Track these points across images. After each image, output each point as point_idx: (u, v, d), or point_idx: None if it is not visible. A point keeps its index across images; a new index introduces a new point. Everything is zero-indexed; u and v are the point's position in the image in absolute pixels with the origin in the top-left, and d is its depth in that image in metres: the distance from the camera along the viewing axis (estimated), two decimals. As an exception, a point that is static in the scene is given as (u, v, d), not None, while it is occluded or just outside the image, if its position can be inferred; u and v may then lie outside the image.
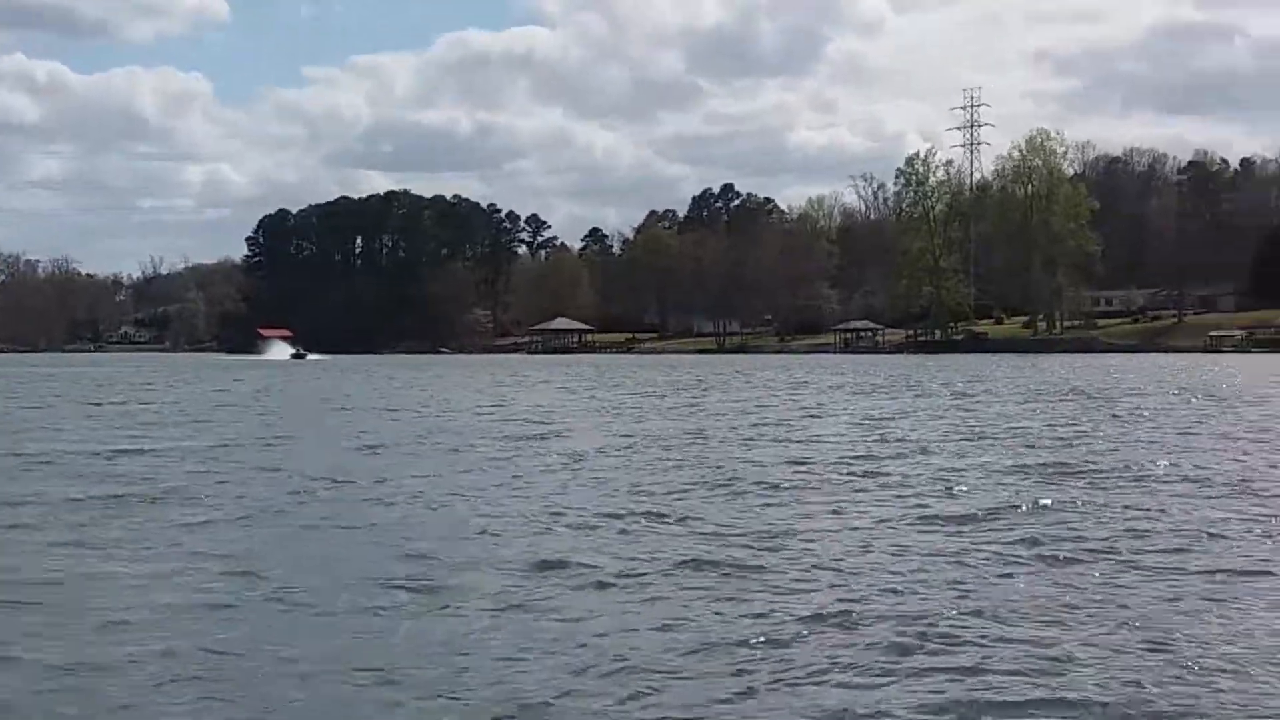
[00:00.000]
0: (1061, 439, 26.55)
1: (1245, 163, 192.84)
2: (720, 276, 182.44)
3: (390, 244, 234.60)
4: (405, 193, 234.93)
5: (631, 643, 9.31)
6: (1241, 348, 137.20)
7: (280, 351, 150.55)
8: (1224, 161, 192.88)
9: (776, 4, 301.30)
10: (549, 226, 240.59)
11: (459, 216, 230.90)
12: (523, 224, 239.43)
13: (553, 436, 28.42)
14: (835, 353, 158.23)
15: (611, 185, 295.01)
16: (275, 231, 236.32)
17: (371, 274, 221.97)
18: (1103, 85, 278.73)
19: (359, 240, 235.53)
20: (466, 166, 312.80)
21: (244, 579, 11.57)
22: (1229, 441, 25.45)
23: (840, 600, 10.60)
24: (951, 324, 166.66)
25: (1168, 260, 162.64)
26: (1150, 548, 12.85)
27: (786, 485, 18.46)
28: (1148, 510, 15.52)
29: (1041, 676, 8.24)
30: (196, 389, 59.21)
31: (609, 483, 18.94)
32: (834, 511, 15.78)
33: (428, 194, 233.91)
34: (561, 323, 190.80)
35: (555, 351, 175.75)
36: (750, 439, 27.53)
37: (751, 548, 13.22)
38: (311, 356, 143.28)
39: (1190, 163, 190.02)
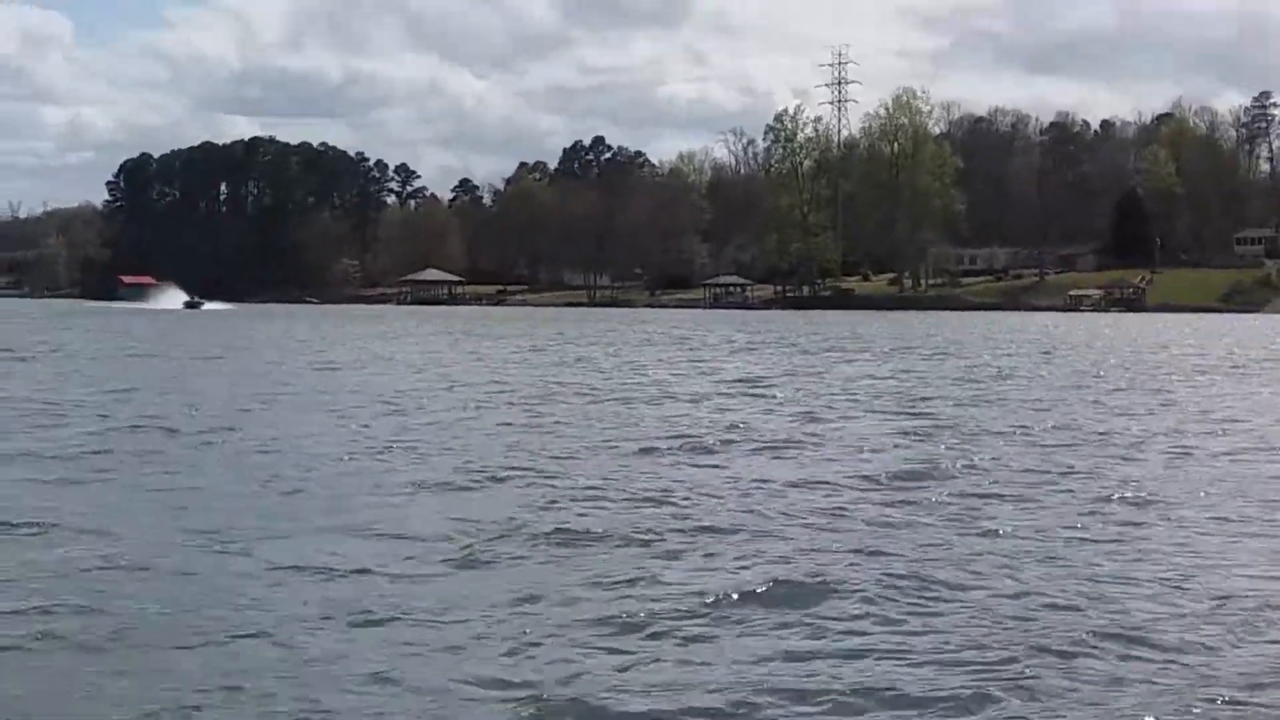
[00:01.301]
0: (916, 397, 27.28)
1: (1105, 124, 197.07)
2: (591, 230, 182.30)
3: (256, 191, 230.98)
4: (271, 139, 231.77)
5: (499, 616, 9.69)
6: (1099, 307, 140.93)
7: (171, 299, 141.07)
8: (1085, 123, 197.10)
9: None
10: (418, 176, 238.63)
11: (326, 164, 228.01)
12: (391, 173, 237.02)
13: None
14: (705, 307, 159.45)
15: (482, 135, 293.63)
16: (137, 176, 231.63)
17: (236, 221, 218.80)
18: (969, 43, 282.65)
19: (224, 186, 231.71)
20: (335, 113, 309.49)
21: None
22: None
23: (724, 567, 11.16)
24: (819, 280, 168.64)
25: (1030, 220, 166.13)
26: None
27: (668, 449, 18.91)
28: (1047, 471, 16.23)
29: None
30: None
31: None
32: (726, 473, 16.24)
33: (295, 140, 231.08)
34: (431, 274, 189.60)
35: (424, 303, 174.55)
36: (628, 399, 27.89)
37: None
38: (207, 305, 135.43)
39: (1052, 123, 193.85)
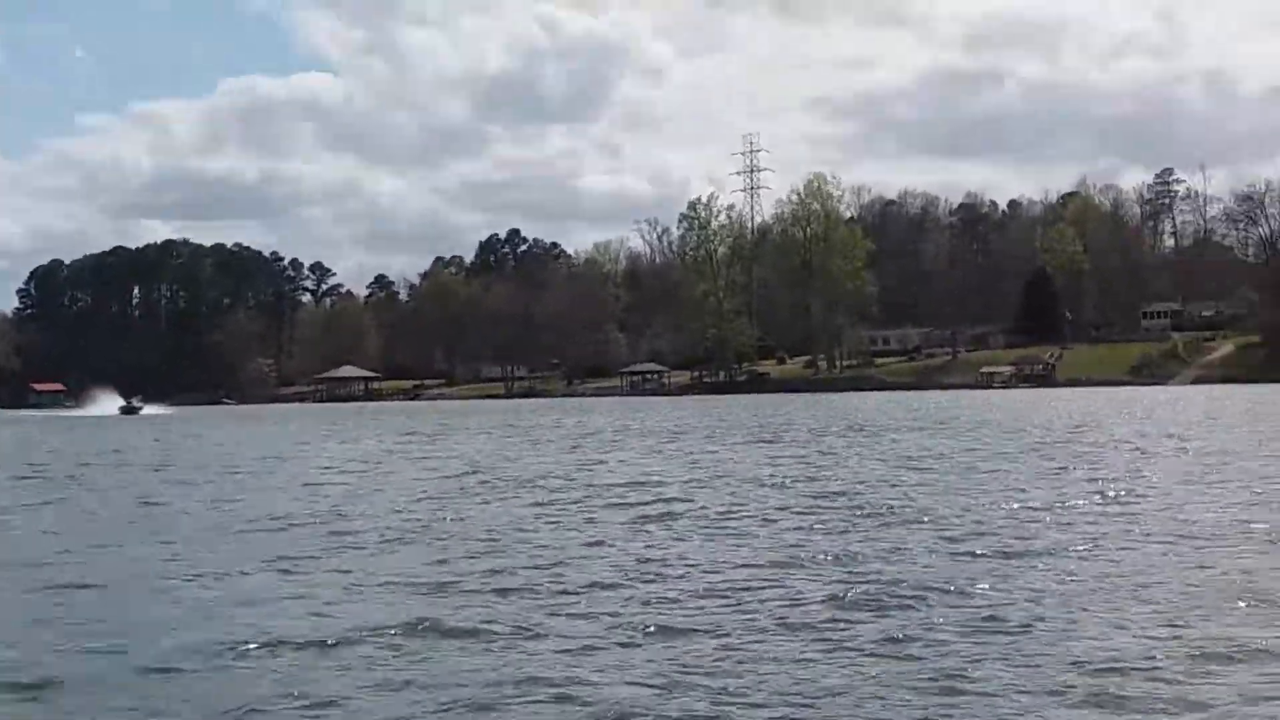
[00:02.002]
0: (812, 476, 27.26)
1: (1013, 204, 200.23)
2: (508, 322, 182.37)
3: (169, 293, 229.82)
4: (184, 241, 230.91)
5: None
6: (1009, 383, 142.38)
7: (105, 404, 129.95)
8: (993, 203, 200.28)
9: (561, 49, 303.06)
10: (334, 274, 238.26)
11: (240, 264, 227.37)
12: (306, 271, 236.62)
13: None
14: (623, 395, 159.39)
15: (400, 232, 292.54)
16: (48, 282, 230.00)
17: (150, 324, 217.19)
18: (878, 129, 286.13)
19: (136, 290, 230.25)
20: (252, 214, 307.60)
21: None
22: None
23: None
24: (735, 364, 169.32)
25: (941, 299, 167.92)
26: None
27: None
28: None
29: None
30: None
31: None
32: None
33: (210, 242, 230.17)
34: (347, 370, 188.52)
35: (340, 400, 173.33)
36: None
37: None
38: (146, 409, 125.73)
39: (961, 204, 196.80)
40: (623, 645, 10.43)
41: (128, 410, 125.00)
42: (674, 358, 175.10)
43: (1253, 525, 16.78)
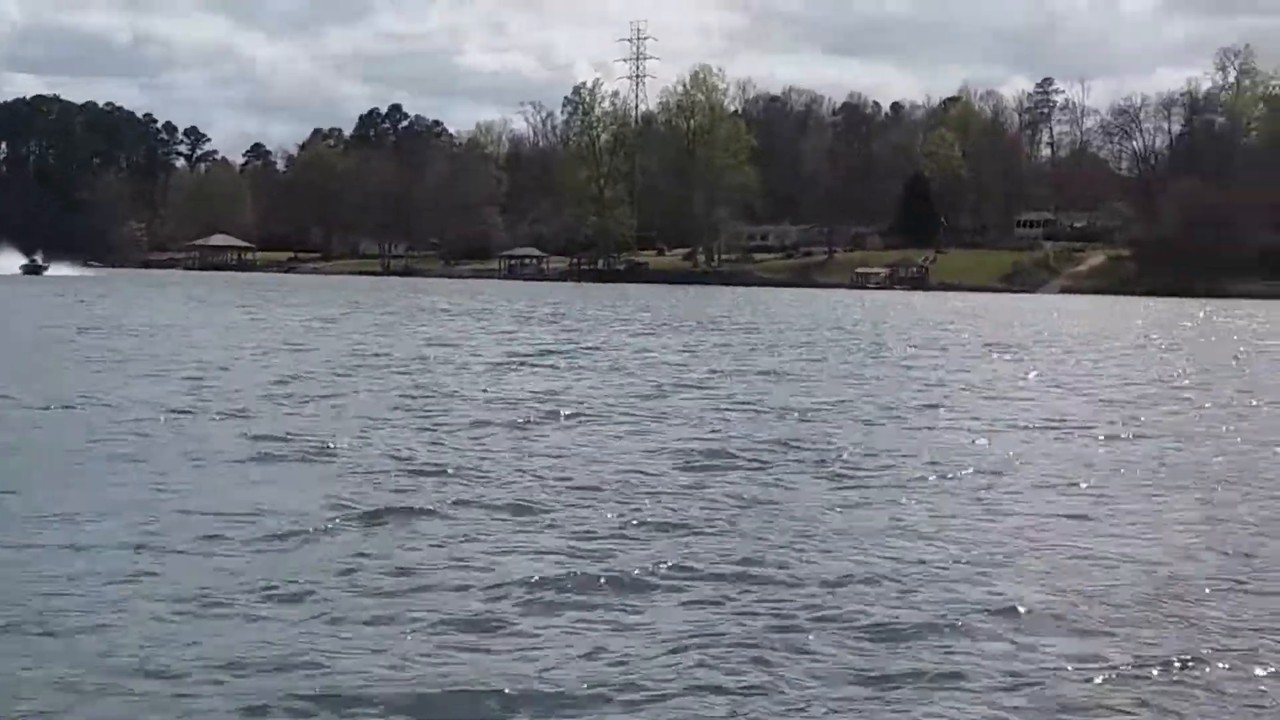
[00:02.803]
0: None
1: (895, 106, 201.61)
2: (387, 198, 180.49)
3: (38, 150, 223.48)
4: (55, 98, 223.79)
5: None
6: (885, 285, 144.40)
7: (4, 262, 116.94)
8: (876, 105, 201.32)
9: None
10: (209, 140, 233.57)
11: (112, 125, 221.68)
12: (181, 135, 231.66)
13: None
14: (500, 278, 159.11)
15: (278, 100, 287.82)
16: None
17: (17, 182, 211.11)
18: (768, 23, 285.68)
19: (3, 146, 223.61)
20: (125, 74, 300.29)
21: None
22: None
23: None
24: (615, 254, 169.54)
25: (821, 198, 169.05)
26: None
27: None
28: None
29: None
30: None
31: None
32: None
33: (81, 100, 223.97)
34: (220, 239, 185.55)
35: (212, 269, 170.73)
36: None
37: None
38: (52, 270, 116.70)
39: (844, 104, 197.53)
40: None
41: (31, 269, 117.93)
42: (554, 243, 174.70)
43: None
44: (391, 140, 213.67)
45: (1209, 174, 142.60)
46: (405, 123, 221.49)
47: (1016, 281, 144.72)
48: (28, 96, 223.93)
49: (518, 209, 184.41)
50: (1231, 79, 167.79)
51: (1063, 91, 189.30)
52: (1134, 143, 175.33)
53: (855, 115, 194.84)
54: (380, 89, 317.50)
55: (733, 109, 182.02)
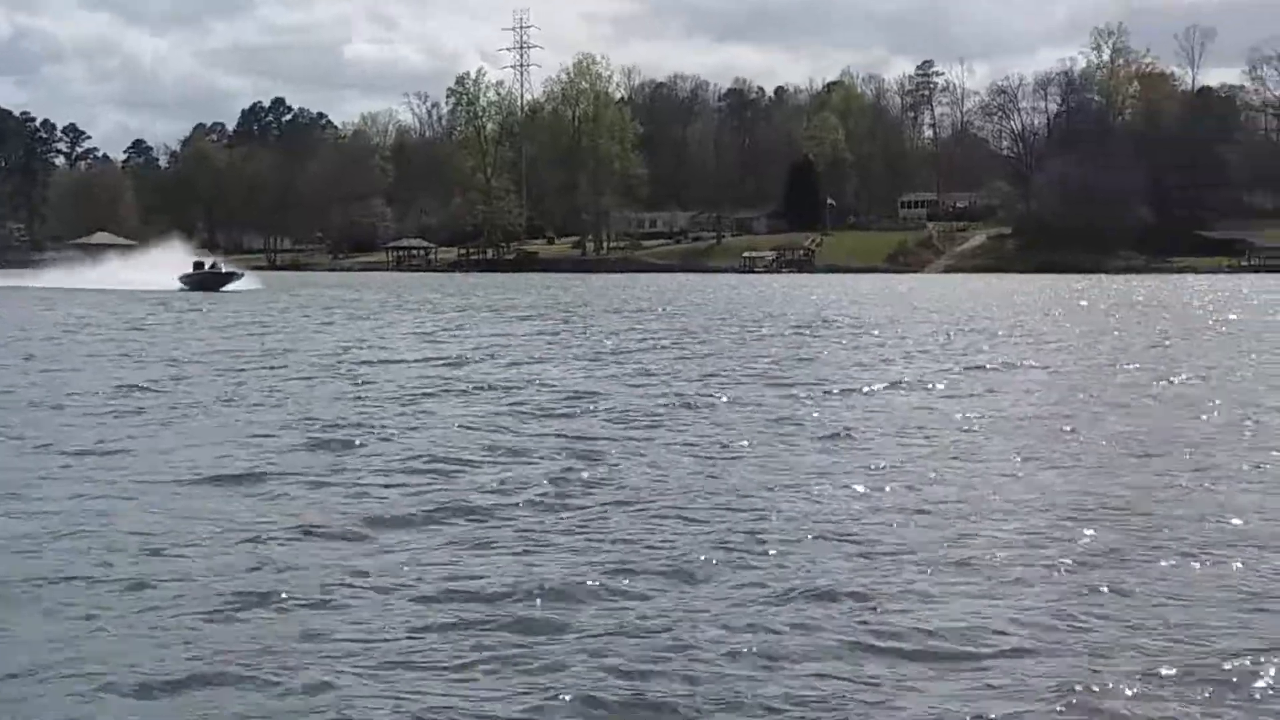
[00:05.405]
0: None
1: (779, 91, 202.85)
2: (271, 192, 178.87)
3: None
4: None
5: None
6: (771, 269, 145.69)
7: None
8: (761, 90, 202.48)
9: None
10: (89, 137, 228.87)
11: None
12: (60, 133, 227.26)
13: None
14: (388, 270, 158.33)
15: (160, 96, 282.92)
16: None
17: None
18: (653, 9, 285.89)
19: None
20: (1, 71, 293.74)
21: None
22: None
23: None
24: (504, 243, 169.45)
25: (708, 184, 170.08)
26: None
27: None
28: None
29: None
30: None
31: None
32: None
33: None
34: (102, 238, 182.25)
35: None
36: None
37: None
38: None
39: (730, 90, 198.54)
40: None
41: None
42: (442, 234, 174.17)
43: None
44: (275, 134, 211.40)
45: (1086, 152, 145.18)
46: (289, 116, 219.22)
47: (901, 262, 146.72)
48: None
49: (405, 200, 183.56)
50: (1106, 58, 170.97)
51: (943, 73, 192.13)
52: (1013, 122, 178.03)
53: (740, 100, 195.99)
54: (264, 82, 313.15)
55: (619, 96, 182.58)
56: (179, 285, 76.73)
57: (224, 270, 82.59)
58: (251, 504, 11.86)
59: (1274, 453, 14.76)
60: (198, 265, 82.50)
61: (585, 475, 13.22)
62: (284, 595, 8.67)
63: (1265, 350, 31.46)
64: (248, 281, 79.91)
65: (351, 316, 49.16)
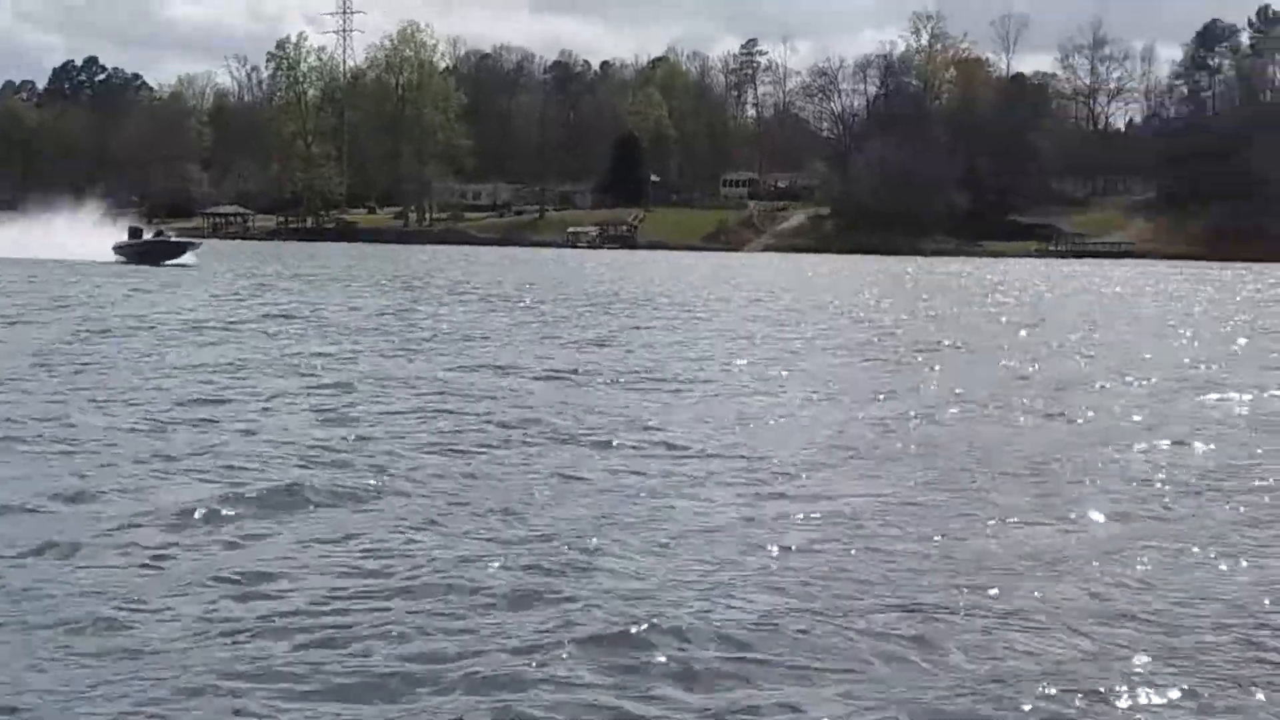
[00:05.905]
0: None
1: (605, 65, 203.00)
2: (84, 154, 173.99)
3: None
4: None
5: None
6: (594, 244, 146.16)
7: None
8: (586, 63, 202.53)
9: None
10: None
11: None
12: None
13: None
14: (204, 237, 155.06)
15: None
16: None
17: None
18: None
19: None
20: None
21: None
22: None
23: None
24: (324, 212, 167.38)
25: (532, 157, 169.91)
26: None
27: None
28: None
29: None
30: None
31: None
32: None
33: None
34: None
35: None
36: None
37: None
38: None
39: (555, 63, 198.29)
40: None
41: None
42: (261, 200, 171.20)
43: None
44: (88, 94, 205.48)
45: (903, 136, 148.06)
46: (103, 76, 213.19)
47: (721, 240, 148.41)
48: None
49: (222, 165, 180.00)
50: (925, 43, 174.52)
51: (766, 52, 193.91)
52: (833, 104, 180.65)
53: (565, 74, 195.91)
54: (77, 40, 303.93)
55: (443, 66, 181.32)
56: (115, 257, 64.13)
57: (174, 240, 70.94)
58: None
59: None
60: (134, 232, 69.04)
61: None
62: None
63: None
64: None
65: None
